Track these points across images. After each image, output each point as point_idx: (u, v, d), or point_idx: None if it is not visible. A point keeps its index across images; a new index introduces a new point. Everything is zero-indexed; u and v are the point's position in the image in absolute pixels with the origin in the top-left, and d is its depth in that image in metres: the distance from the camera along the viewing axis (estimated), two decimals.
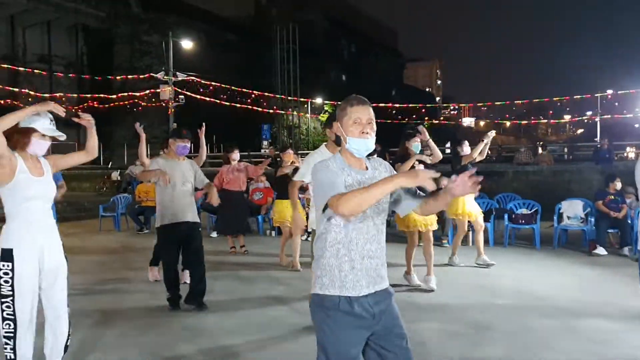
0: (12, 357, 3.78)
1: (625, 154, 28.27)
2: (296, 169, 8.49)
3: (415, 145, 7.26)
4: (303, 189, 10.25)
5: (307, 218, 9.48)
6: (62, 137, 3.96)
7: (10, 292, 3.71)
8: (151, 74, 29.06)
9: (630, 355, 4.77)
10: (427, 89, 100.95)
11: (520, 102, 41.11)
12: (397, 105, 37.22)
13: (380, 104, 32.28)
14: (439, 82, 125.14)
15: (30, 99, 30.20)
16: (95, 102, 32.24)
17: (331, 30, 55.60)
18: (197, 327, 5.60)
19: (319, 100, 42.66)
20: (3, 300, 3.72)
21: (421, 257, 7.26)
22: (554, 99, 36.06)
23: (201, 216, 6.71)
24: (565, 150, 32.86)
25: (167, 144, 6.81)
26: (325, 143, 5.47)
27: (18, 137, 3.77)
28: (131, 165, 20.81)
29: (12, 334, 3.76)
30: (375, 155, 2.85)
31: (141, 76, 31.22)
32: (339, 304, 2.61)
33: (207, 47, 36.44)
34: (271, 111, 38.40)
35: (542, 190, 14.12)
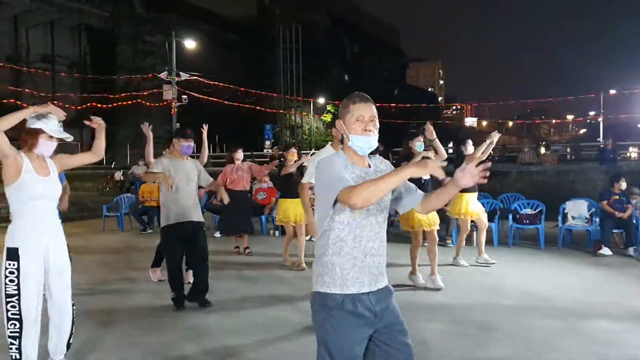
0: (17, 357, 3.79)
1: (628, 154, 28.20)
2: (300, 167, 8.52)
3: (418, 144, 7.28)
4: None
5: None
6: (69, 138, 3.98)
7: (16, 292, 3.72)
8: (154, 73, 29.07)
9: (635, 355, 4.75)
10: (430, 89, 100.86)
11: (524, 101, 41.04)
12: (401, 105, 37.16)
13: (383, 104, 32.20)
14: (441, 82, 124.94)
15: (33, 99, 30.26)
16: (98, 102, 32.25)
17: (334, 30, 55.58)
18: (200, 327, 5.59)
19: (321, 100, 42.65)
20: (8, 300, 3.73)
21: (424, 257, 7.26)
22: (558, 98, 36.01)
23: (204, 216, 6.70)
24: (568, 150, 32.83)
25: (170, 143, 6.89)
26: (330, 142, 5.47)
27: (26, 138, 3.81)
28: (134, 165, 20.84)
29: (17, 334, 3.77)
30: (377, 154, 2.84)
31: (144, 76, 31.22)
32: (342, 303, 2.61)
33: (210, 47, 36.44)
34: (274, 111, 38.40)
35: (546, 190, 14.11)
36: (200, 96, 30.29)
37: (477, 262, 8.49)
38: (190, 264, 6.50)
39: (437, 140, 7.29)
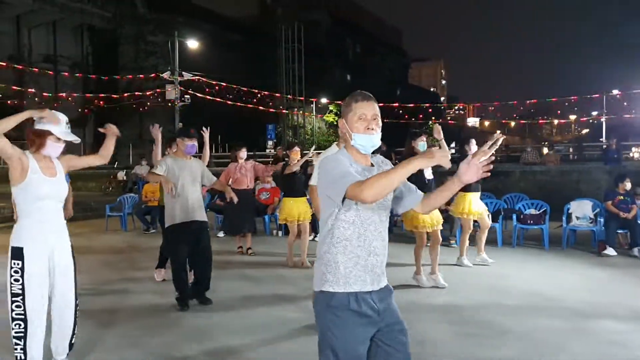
0: (22, 357, 3.79)
1: (630, 154, 28.14)
2: (304, 165, 8.53)
3: (421, 144, 7.30)
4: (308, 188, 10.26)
5: (313, 217, 9.51)
6: (76, 140, 4.00)
7: (21, 291, 3.73)
8: (157, 73, 29.08)
9: None
10: (432, 89, 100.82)
11: (527, 101, 40.99)
12: (404, 105, 37.13)
13: (385, 104, 32.18)
14: (443, 82, 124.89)
15: (36, 99, 30.30)
16: (100, 102, 32.28)
17: (336, 30, 55.59)
18: (202, 326, 5.58)
19: (323, 100, 42.64)
20: (14, 299, 3.73)
21: (425, 256, 7.27)
22: (562, 98, 35.98)
23: (208, 216, 6.69)
24: (571, 150, 32.78)
25: (172, 143, 6.97)
26: (335, 142, 5.46)
27: (34, 138, 3.82)
28: (137, 165, 20.84)
29: (22, 334, 3.76)
30: (378, 154, 2.82)
31: (147, 76, 31.23)
32: (348, 303, 2.60)
33: (212, 47, 36.43)
34: (277, 111, 38.39)
35: (549, 190, 14.08)
36: (203, 96, 30.28)
37: (475, 261, 8.49)
38: (194, 264, 6.50)
39: (443, 140, 7.28)
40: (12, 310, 3.75)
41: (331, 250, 2.65)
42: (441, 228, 7.36)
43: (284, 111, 40.19)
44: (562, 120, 67.46)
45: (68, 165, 4.08)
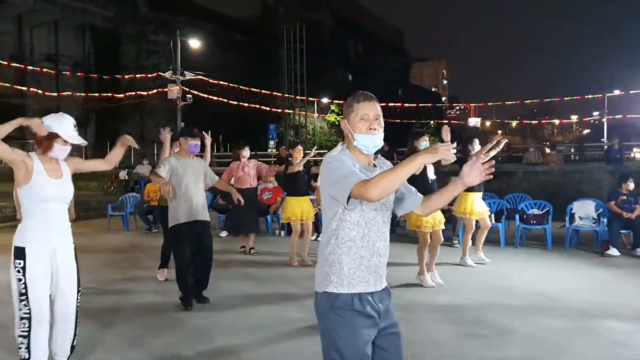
0: (27, 356, 3.79)
1: (632, 154, 28.11)
2: (306, 165, 8.54)
3: (424, 144, 7.31)
4: (312, 188, 10.25)
5: (316, 217, 9.51)
6: (84, 143, 4.02)
7: (24, 290, 3.75)
8: (158, 73, 29.06)
9: None
10: (433, 89, 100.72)
11: (529, 101, 40.92)
12: (406, 105, 37.07)
13: (387, 104, 32.16)
14: (445, 81, 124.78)
15: (37, 98, 30.30)
16: (102, 102, 32.26)
17: (338, 30, 55.53)
18: (204, 326, 5.57)
19: (325, 100, 42.62)
20: (21, 298, 3.76)
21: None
22: (565, 98, 35.92)
23: (210, 215, 6.68)
24: (572, 150, 32.74)
25: (174, 143, 7.01)
26: (341, 142, 5.45)
27: (41, 140, 3.82)
28: (138, 165, 20.84)
29: (26, 333, 3.79)
30: (379, 155, 2.82)
31: (149, 75, 31.22)
32: (352, 303, 2.60)
33: (214, 47, 36.43)
34: (279, 110, 38.37)
35: (552, 190, 14.06)
36: (205, 95, 30.26)
37: (472, 259, 8.49)
38: (195, 263, 6.49)
39: (449, 143, 7.28)
40: (20, 310, 3.77)
41: (336, 251, 2.64)
42: (443, 228, 7.39)
43: (285, 111, 40.15)
44: (565, 120, 67.36)
45: (74, 168, 4.09)
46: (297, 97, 40.90)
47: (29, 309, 3.74)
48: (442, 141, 7.32)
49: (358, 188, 2.42)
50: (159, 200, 8.39)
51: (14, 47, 34.95)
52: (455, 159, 2.30)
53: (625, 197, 9.42)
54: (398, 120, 33.19)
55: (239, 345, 5.01)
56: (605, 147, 22.89)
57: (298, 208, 8.48)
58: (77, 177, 4.20)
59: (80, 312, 4.20)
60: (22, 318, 3.77)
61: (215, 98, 30.81)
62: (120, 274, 8.18)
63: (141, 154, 25.18)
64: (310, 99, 41.75)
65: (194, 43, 29.69)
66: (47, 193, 3.80)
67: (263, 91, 34.51)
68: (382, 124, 2.69)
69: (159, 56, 36.60)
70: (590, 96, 36.38)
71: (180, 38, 27.83)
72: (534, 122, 70.48)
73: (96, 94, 32.34)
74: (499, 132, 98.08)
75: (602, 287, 7.27)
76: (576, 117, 66.48)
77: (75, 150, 4.36)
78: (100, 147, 29.95)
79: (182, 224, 6.07)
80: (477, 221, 8.61)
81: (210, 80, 29.85)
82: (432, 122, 49.77)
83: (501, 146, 8.63)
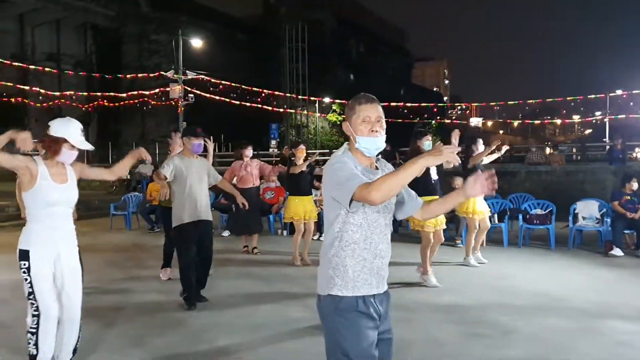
0: (35, 352, 3.84)
1: (634, 154, 28.06)
2: (310, 165, 8.53)
3: (427, 143, 7.31)
4: (315, 187, 10.25)
5: (319, 217, 9.49)
6: (91, 148, 4.04)
7: (31, 289, 3.79)
8: (161, 72, 29.04)
9: None
10: (435, 89, 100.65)
11: (531, 101, 40.87)
12: (409, 104, 37.05)
13: (389, 104, 32.14)
14: (446, 81, 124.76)
15: (40, 97, 30.32)
16: (104, 101, 32.28)
17: (339, 30, 55.48)
18: (207, 325, 5.56)
19: (326, 100, 42.60)
20: (29, 297, 3.82)
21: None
22: (568, 98, 35.88)
23: (212, 215, 6.67)
24: (574, 150, 32.67)
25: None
26: (347, 142, 5.45)
27: (50, 145, 3.84)
28: (140, 164, 20.79)
29: (35, 330, 3.85)
30: (379, 156, 2.82)
31: (151, 75, 31.20)
32: (357, 305, 2.60)
33: (216, 46, 36.41)
34: (281, 110, 38.37)
35: (554, 190, 14.05)
36: (207, 95, 30.24)
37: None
38: (195, 263, 6.49)
39: (456, 146, 7.29)
40: (31, 306, 3.82)
41: (339, 254, 2.64)
42: (444, 227, 7.39)
43: (287, 110, 40.12)
44: (567, 120, 67.33)
45: (80, 173, 4.10)
46: (299, 97, 40.88)
47: (37, 306, 3.79)
48: (443, 142, 7.34)
49: (360, 191, 2.42)
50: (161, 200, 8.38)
51: (15, 46, 34.97)
52: (460, 162, 2.31)
53: (629, 197, 9.39)
54: (400, 120, 33.17)
55: (241, 344, 5.00)
56: (608, 147, 22.85)
57: (301, 207, 8.47)
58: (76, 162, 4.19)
59: (82, 312, 4.19)
60: (33, 315, 3.82)
61: (216, 98, 30.80)
62: (122, 273, 8.17)
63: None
64: (312, 98, 41.73)
65: (196, 42, 29.67)
66: (52, 198, 3.82)
67: (265, 91, 34.49)
68: (384, 126, 2.69)
69: (161, 55, 36.60)
70: (592, 96, 36.32)
71: (182, 37, 27.81)
72: (536, 122, 70.40)
73: (98, 94, 32.38)
74: (501, 131, 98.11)
75: (605, 287, 7.25)
76: (578, 117, 66.45)
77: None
78: (101, 146, 29.98)
79: (187, 223, 6.07)
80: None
81: (212, 80, 29.83)
82: (433, 122, 49.71)
83: (502, 151, 8.68)
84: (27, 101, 30.25)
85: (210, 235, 6.38)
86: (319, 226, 10.33)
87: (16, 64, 29.11)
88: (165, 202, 6.78)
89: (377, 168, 2.74)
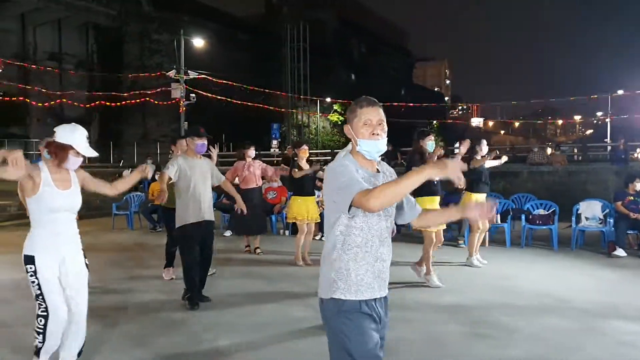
0: (40, 345, 3.88)
1: (635, 155, 28.03)
2: (316, 170, 8.54)
3: (430, 143, 7.31)
4: (318, 187, 10.23)
5: (321, 217, 9.48)
6: (95, 155, 4.05)
7: (39, 291, 3.80)
8: (162, 72, 29.04)
9: None
10: (436, 89, 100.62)
11: (534, 101, 40.87)
12: (410, 104, 37.05)
13: (391, 104, 32.13)
14: (447, 81, 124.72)
15: (41, 97, 30.32)
16: (105, 101, 32.29)
17: (341, 30, 55.42)
18: (209, 325, 5.55)
19: (328, 100, 42.60)
20: (37, 299, 3.82)
21: (419, 253, 7.29)
22: (571, 98, 35.89)
23: (214, 215, 6.66)
24: (575, 150, 32.64)
25: (178, 142, 7.21)
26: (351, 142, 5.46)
27: (57, 152, 3.86)
28: (142, 164, 20.81)
29: (42, 329, 3.84)
30: (380, 159, 2.82)
31: (153, 74, 31.21)
32: (360, 307, 2.61)
33: (217, 46, 36.38)
34: (283, 110, 38.37)
35: (557, 190, 14.03)
36: (209, 95, 30.24)
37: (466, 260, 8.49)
38: None
39: (461, 162, 7.34)
40: (38, 308, 3.82)
41: (342, 257, 2.64)
42: (444, 228, 7.40)
43: (289, 111, 40.12)
44: (571, 120, 67.37)
45: (82, 181, 4.09)
46: (300, 97, 40.88)
47: (46, 307, 3.79)
48: (445, 142, 7.34)
49: (359, 198, 2.43)
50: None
51: (17, 45, 34.95)
52: (464, 183, 2.41)
53: (632, 198, 9.36)
54: (403, 120, 33.15)
55: (243, 344, 5.00)
56: (609, 147, 22.84)
57: (304, 208, 8.47)
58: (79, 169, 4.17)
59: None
60: (39, 316, 3.82)
61: (218, 97, 30.80)
62: (124, 272, 8.16)
63: (145, 153, 25.16)
64: (313, 98, 41.73)
65: (198, 42, 29.65)
66: (56, 204, 3.82)
67: (266, 90, 34.49)
68: (386, 129, 2.69)
69: (162, 55, 36.61)
70: (595, 96, 36.33)
71: (184, 37, 27.80)
72: (539, 122, 70.45)
73: (99, 93, 32.39)
74: (502, 132, 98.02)
75: (608, 287, 7.22)
76: (579, 117, 66.39)
77: None
78: (103, 146, 30.00)
79: (193, 224, 6.07)
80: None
81: (214, 80, 29.83)
82: (435, 122, 49.72)
83: (502, 161, 8.72)
84: (28, 101, 30.21)
85: (212, 235, 6.38)
86: (321, 226, 10.32)
87: (18, 63, 29.12)
88: (168, 202, 6.77)
89: (378, 171, 2.74)
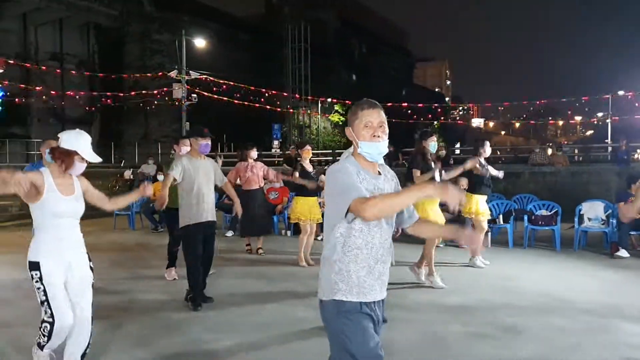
0: (44, 344, 3.87)
1: (636, 155, 28.02)
2: (315, 166, 8.54)
3: (432, 144, 7.31)
4: (320, 189, 10.22)
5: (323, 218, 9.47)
6: (99, 160, 4.05)
7: (45, 297, 3.79)
8: (164, 72, 29.03)
9: None
10: (437, 89, 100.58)
11: (538, 102, 40.88)
12: (411, 105, 37.01)
13: (391, 104, 32.11)
14: (448, 82, 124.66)
15: (43, 97, 30.32)
16: (107, 100, 32.27)
17: (342, 30, 55.40)
18: (211, 325, 5.55)
19: (329, 100, 42.56)
20: (43, 304, 3.81)
21: (418, 253, 7.33)
22: (573, 99, 35.90)
23: (216, 215, 6.66)
24: (576, 151, 32.66)
25: (179, 142, 7.25)
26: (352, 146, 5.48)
27: (62, 158, 3.85)
28: (143, 164, 20.82)
29: (46, 334, 3.83)
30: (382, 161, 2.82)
31: (154, 74, 31.20)
32: (360, 308, 2.62)
33: (218, 46, 36.35)
34: (284, 110, 38.34)
35: (559, 191, 14.02)
36: (210, 95, 30.23)
37: (467, 262, 8.50)
38: None
39: (466, 167, 7.81)
40: (44, 313, 3.81)
41: (343, 259, 2.64)
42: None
43: (290, 111, 40.09)
44: (572, 121, 67.38)
45: (84, 189, 4.08)
46: (301, 97, 40.86)
47: (52, 314, 3.78)
48: (446, 142, 7.35)
49: (356, 204, 2.45)
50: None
51: (18, 45, 34.90)
52: (457, 213, 2.53)
53: (634, 199, 9.32)
54: (404, 120, 33.15)
55: (245, 344, 4.99)
56: (610, 148, 22.82)
57: (306, 208, 8.47)
58: (82, 176, 4.16)
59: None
60: (44, 321, 3.81)
61: (219, 97, 30.78)
62: (126, 273, 8.16)
63: (146, 154, 25.16)
64: (314, 98, 41.70)
65: (199, 42, 29.63)
66: (59, 209, 3.82)
67: (267, 90, 34.47)
68: (387, 131, 2.71)
69: (164, 55, 36.56)
70: (597, 97, 36.33)
71: (185, 37, 27.79)
72: (539, 122, 70.47)
73: (101, 93, 32.37)
74: (502, 132, 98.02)
75: (611, 288, 7.21)
76: (580, 118, 66.43)
77: None
78: (104, 146, 29.96)
79: (196, 224, 6.07)
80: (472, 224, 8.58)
81: (215, 80, 29.82)
82: (436, 122, 49.71)
83: (501, 176, 8.76)
84: (30, 100, 30.20)
85: (213, 236, 6.38)
86: (322, 226, 10.30)
87: (19, 63, 29.11)
88: (170, 202, 6.75)
89: (379, 173, 2.74)
